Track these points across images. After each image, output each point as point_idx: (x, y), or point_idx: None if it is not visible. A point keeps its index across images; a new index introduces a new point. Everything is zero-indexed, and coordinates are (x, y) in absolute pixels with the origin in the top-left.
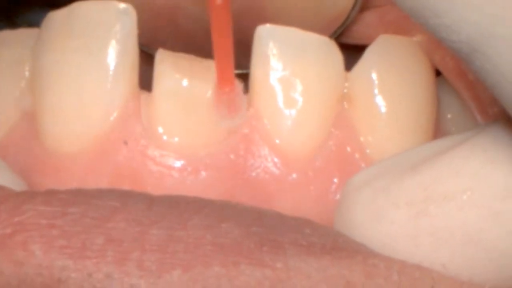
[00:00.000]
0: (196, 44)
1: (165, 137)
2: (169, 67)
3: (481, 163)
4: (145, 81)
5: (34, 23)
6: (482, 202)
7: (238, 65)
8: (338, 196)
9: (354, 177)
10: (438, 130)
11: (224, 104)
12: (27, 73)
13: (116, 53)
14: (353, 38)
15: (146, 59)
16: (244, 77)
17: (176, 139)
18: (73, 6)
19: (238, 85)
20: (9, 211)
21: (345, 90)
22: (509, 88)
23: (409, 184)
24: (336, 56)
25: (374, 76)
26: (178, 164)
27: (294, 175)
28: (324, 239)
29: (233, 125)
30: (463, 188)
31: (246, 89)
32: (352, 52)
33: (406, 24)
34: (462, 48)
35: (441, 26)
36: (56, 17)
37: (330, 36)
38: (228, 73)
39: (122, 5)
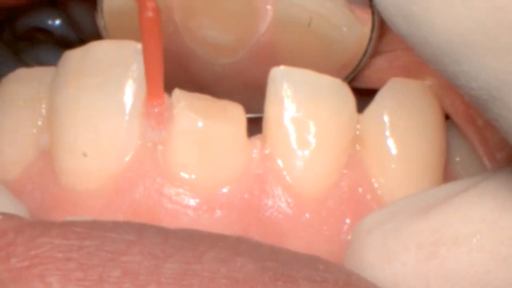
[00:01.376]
0: (208, 89)
1: (180, 176)
2: (185, 107)
3: (489, 208)
4: None
5: (41, 60)
6: (490, 246)
7: (250, 109)
8: (349, 237)
9: (364, 219)
10: (446, 173)
11: (153, 117)
12: (44, 111)
13: (132, 92)
14: (364, 82)
15: None
16: (258, 121)
17: (192, 177)
18: (90, 45)
19: (167, 99)
20: (26, 244)
21: (357, 132)
22: None
23: (419, 227)
24: (349, 98)
25: (385, 118)
26: (193, 202)
27: (307, 215)
28: (337, 276)
29: (160, 138)
30: (472, 233)
31: (259, 131)
32: (363, 95)
33: (416, 68)
34: (481, 95)
35: (460, 73)
36: (73, 56)
37: (344, 81)
38: (158, 86)
39: (138, 45)
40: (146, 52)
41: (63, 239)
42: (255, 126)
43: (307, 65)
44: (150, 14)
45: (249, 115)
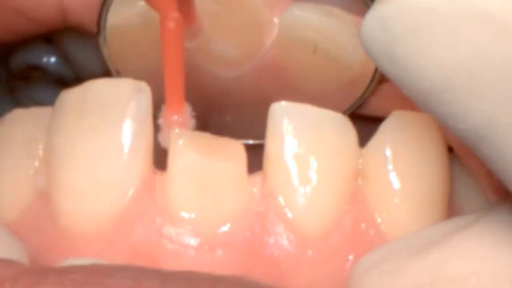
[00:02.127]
0: (215, 103)
1: (180, 215)
2: (185, 145)
3: (489, 245)
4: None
5: (37, 100)
6: (489, 285)
7: (257, 123)
8: None
9: (362, 259)
10: (451, 206)
11: (172, 128)
12: (40, 152)
13: (131, 131)
14: (371, 109)
15: None
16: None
17: (192, 217)
18: (87, 84)
19: (187, 109)
20: None
21: (360, 167)
22: None
23: (417, 266)
24: (350, 133)
25: (388, 152)
26: (194, 242)
27: (309, 252)
28: None
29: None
30: (471, 272)
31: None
32: (368, 123)
33: None
34: (469, 136)
35: (448, 115)
36: (69, 96)
37: (351, 107)
38: (178, 97)
39: (137, 83)
40: (167, 63)
41: (59, 286)
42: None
43: (312, 80)
44: (172, 25)
45: (251, 142)
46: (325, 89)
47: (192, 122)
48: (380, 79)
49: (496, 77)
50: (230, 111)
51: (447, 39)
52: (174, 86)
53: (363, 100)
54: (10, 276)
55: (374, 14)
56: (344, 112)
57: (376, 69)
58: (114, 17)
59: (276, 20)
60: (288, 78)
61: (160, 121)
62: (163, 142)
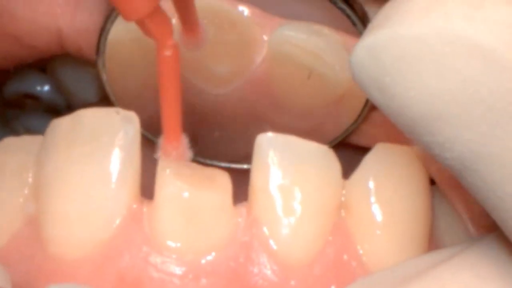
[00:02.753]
0: (205, 119)
1: (166, 244)
2: (171, 175)
3: (469, 278)
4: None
5: (30, 128)
6: None
7: (246, 139)
8: None
9: None
10: (432, 238)
11: (170, 159)
12: (31, 180)
13: (119, 160)
14: (361, 137)
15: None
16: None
17: (178, 246)
18: (77, 113)
19: (184, 140)
20: None
21: (343, 199)
22: (499, 204)
23: None
24: (334, 165)
25: (371, 185)
26: (179, 271)
27: (293, 282)
28: None
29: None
30: None
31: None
32: (354, 151)
33: None
34: (455, 165)
35: (435, 144)
36: (60, 125)
37: (343, 134)
38: (175, 128)
39: (126, 113)
40: (163, 92)
41: None
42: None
43: (300, 98)
44: (169, 52)
45: (235, 166)
46: (312, 107)
47: (189, 154)
48: (371, 106)
49: (483, 107)
50: (219, 127)
51: (435, 68)
52: (171, 117)
53: (355, 126)
54: None
55: (364, 42)
56: (336, 139)
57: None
58: (113, 42)
59: (265, 38)
60: (276, 95)
61: (157, 155)
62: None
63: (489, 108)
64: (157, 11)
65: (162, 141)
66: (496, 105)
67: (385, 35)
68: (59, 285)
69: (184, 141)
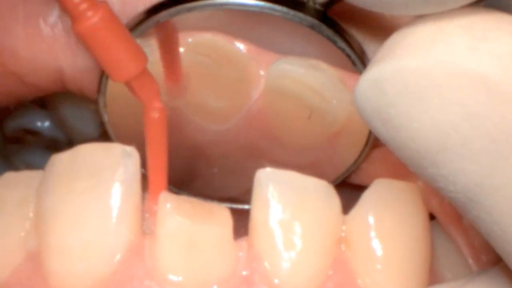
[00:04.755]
0: (202, 153)
1: (168, 278)
2: (172, 209)
3: None
4: None
5: (31, 163)
6: None
7: (243, 172)
8: None
9: None
10: (432, 273)
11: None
12: (31, 214)
13: (120, 195)
14: (359, 176)
15: None
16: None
17: (180, 279)
18: (77, 148)
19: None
20: None
21: (343, 234)
22: (504, 237)
23: None
24: (334, 200)
25: (370, 219)
26: None
27: None
28: None
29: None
30: None
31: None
32: (352, 188)
33: None
34: (459, 198)
35: (438, 177)
36: (60, 160)
37: (344, 174)
38: (160, 187)
39: (126, 148)
40: (150, 152)
41: None
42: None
43: (297, 133)
44: (156, 114)
45: (238, 207)
46: (310, 142)
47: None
48: (372, 145)
49: (487, 139)
50: (218, 163)
51: (439, 100)
52: (157, 175)
53: (357, 166)
54: None
55: (368, 75)
56: (337, 179)
57: (369, 135)
58: (114, 83)
59: (262, 73)
60: (273, 130)
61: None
62: (147, 229)
63: (492, 141)
64: (144, 73)
65: (147, 199)
66: (500, 137)
67: (390, 67)
68: None
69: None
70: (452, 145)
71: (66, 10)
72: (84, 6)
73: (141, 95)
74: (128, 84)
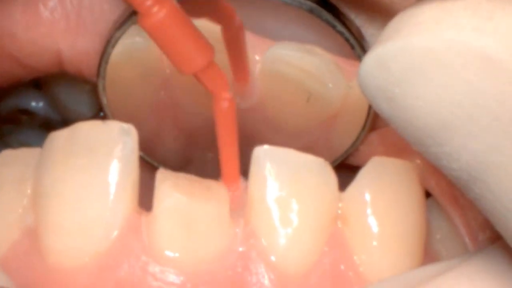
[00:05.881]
0: (197, 138)
1: (165, 254)
2: (169, 187)
3: None
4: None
5: (25, 143)
6: None
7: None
8: None
9: None
10: (427, 250)
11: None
12: (29, 191)
13: (117, 172)
14: (356, 157)
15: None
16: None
17: (176, 256)
18: (75, 126)
19: (243, 183)
20: None
21: (339, 211)
22: (507, 215)
23: None
24: (331, 177)
25: (367, 197)
26: (177, 280)
27: None
28: None
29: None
30: None
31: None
32: (349, 169)
33: (407, 146)
34: (462, 176)
35: (442, 154)
36: (58, 137)
37: (341, 157)
38: (234, 172)
39: (124, 126)
40: (221, 141)
41: None
42: None
43: (292, 116)
44: (225, 104)
45: None
46: (305, 125)
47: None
48: (370, 127)
49: (490, 117)
50: (213, 148)
51: (444, 79)
52: (230, 161)
53: (354, 149)
54: None
55: (374, 53)
56: (335, 161)
57: (366, 118)
58: (113, 66)
59: (257, 58)
60: (269, 114)
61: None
62: None
63: (496, 118)
64: (212, 65)
65: (223, 183)
66: (504, 115)
67: (395, 46)
68: None
69: (242, 183)
70: (456, 123)
71: (133, 6)
72: (149, 2)
73: (210, 86)
74: (196, 76)
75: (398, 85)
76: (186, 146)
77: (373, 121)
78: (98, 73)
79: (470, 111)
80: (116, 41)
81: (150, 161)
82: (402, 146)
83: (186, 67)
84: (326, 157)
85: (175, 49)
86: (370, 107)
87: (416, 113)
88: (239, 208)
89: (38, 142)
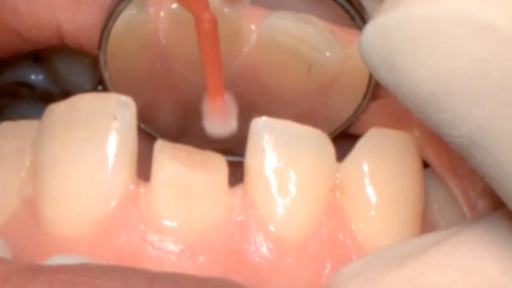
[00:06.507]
0: (193, 107)
1: (163, 223)
2: (168, 157)
3: (466, 258)
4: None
5: (24, 116)
6: None
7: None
8: (330, 281)
9: (342, 269)
10: (425, 220)
11: (216, 116)
12: (27, 162)
13: (116, 144)
14: (355, 125)
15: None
16: (240, 165)
17: (174, 225)
18: (74, 98)
19: (228, 97)
20: None
21: (337, 181)
22: (508, 181)
23: (397, 276)
24: (328, 148)
25: (365, 167)
26: (176, 249)
27: (288, 260)
28: None
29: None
30: (449, 282)
31: (242, 176)
32: (348, 139)
33: (406, 116)
34: (463, 143)
35: (444, 122)
36: (57, 109)
37: (342, 126)
38: (218, 86)
39: (122, 98)
40: (205, 60)
41: (49, 286)
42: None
43: (289, 84)
44: (207, 25)
45: (231, 159)
46: (301, 93)
47: (234, 109)
48: (371, 97)
49: (492, 84)
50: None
51: (446, 47)
52: (214, 76)
53: (355, 118)
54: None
55: (376, 22)
56: (335, 130)
57: (367, 88)
58: (114, 40)
59: (253, 27)
60: (265, 82)
61: (203, 108)
62: (208, 128)
63: (498, 86)
64: None
65: (208, 98)
66: (505, 83)
67: (397, 15)
68: (62, 257)
69: (227, 97)
70: (458, 90)
71: None
72: None
73: (191, 8)
74: None
75: (399, 54)
76: (182, 117)
77: (374, 91)
78: (99, 47)
79: (471, 79)
80: (118, 15)
81: (149, 131)
82: (402, 117)
83: None
84: (324, 126)
85: None
86: (371, 77)
87: (417, 81)
88: (226, 119)
89: (37, 115)
